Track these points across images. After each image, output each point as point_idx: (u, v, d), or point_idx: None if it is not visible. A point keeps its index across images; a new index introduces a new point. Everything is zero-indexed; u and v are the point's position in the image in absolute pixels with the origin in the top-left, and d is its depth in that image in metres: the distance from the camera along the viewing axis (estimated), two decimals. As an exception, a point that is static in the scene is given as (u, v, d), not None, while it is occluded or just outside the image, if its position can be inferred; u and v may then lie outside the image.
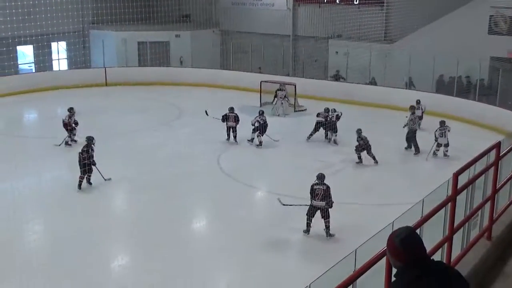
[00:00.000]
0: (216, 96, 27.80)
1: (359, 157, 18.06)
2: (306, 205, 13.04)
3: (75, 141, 19.50)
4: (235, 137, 20.40)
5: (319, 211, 12.85)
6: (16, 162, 17.64)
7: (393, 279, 3.70)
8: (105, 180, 16.04)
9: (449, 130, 18.81)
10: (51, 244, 12.88)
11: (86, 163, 15.53)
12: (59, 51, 33.82)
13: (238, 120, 20.44)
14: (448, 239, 5.41)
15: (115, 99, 27.78)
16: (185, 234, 13.33)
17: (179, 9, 35.26)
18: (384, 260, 4.23)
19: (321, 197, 12.71)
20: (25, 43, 31.26)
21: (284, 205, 13.72)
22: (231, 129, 20.42)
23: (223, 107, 24.17)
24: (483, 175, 6.44)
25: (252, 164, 18.45)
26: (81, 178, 15.66)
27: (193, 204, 15.22)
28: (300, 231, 13.17)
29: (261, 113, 20.53)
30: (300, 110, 24.82)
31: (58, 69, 33.27)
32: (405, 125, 19.74)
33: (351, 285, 4.17)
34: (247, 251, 12.26)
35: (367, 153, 17.99)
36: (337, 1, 31.23)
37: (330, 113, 20.52)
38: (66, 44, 33.99)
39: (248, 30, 33.59)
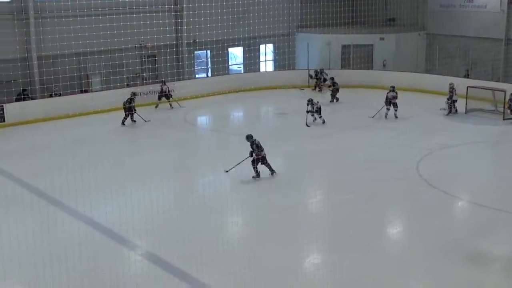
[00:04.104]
0: (419, 100, 27.12)
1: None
2: (246, 159, 16.34)
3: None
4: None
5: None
6: (219, 157, 18.89)
7: None
8: (145, 121, 23.50)
9: None
10: (241, 235, 13.51)
11: (127, 108, 23.27)
12: (266, 53, 35.30)
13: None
14: None
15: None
16: (379, 239, 13.15)
17: (385, 12, 34.95)
18: None
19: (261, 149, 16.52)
20: (236, 45, 33.09)
21: (227, 171, 16.61)
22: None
23: (425, 111, 23.54)
24: None
25: (454, 171, 17.65)
26: (125, 118, 23.42)
27: (385, 209, 14.93)
28: (505, 245, 12.39)
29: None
30: (509, 119, 23.26)
31: (264, 70, 34.72)
32: None
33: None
34: (443, 262, 11.75)
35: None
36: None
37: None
38: (273, 47, 35.35)
39: (456, 33, 32.21)
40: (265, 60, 35.42)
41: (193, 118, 25.50)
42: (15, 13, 25.88)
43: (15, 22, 25.79)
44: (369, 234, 13.10)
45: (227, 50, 33.42)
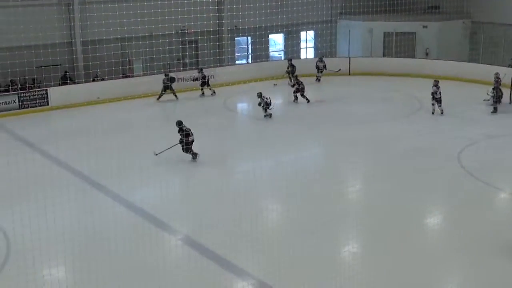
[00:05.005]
0: (461, 89, 26.68)
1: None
2: (176, 145, 16.87)
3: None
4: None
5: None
6: (257, 143, 18.98)
7: None
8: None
9: None
10: (279, 222, 13.60)
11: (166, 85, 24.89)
12: (307, 40, 35.16)
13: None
14: None
15: (357, 89, 28.14)
16: (417, 228, 13.06)
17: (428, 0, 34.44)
18: None
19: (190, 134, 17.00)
20: (277, 32, 33.04)
21: (157, 154, 16.94)
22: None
23: (468, 101, 23.16)
24: None
25: (497, 162, 17.34)
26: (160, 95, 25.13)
27: (425, 199, 14.79)
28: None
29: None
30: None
31: (305, 57, 34.59)
32: None
33: None
34: (482, 254, 11.64)
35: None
36: None
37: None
38: (314, 34, 35.18)
39: (502, 21, 31.48)
40: (306, 47, 35.28)
41: (232, 104, 25.64)
42: (61, -2, 26.41)
43: (62, 8, 26.31)
44: (407, 224, 13.04)
45: (268, 36, 33.39)
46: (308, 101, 24.67)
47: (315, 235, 12.47)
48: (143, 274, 10.90)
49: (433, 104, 22.43)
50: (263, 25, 31.65)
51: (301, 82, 24.77)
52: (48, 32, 24.83)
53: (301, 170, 16.83)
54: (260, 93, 22.17)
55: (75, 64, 26.73)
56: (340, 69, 29.49)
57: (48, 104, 24.49)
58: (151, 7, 27.28)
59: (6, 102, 23.61)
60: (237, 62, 32.87)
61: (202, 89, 26.61)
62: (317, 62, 29.45)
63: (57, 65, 25.61)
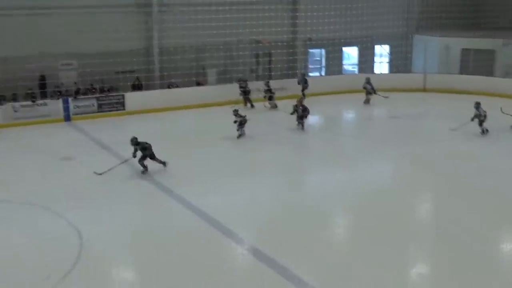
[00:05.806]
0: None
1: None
2: (122, 163, 16.93)
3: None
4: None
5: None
6: (325, 156, 18.93)
7: None
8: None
9: None
10: (346, 235, 13.50)
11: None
12: (382, 54, 34.84)
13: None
14: None
15: (431, 106, 27.60)
16: (486, 250, 12.63)
17: (511, 15, 33.51)
18: None
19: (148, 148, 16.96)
20: (351, 44, 32.89)
21: (100, 174, 16.42)
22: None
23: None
24: None
25: None
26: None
27: (499, 224, 14.35)
28: None
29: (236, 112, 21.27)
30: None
31: (379, 72, 34.28)
32: None
33: None
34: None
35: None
36: None
37: None
38: (389, 48, 34.82)
39: None
40: (380, 62, 34.96)
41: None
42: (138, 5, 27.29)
43: (141, 14, 27.21)
44: (481, 248, 12.64)
45: (342, 49, 33.29)
46: (302, 127, 22.62)
47: (380, 251, 12.28)
48: (207, 280, 11.06)
49: (480, 125, 21.66)
50: (337, 34, 31.51)
51: (307, 109, 22.70)
52: (128, 35, 25.64)
53: (370, 185, 16.62)
54: (236, 110, 21.52)
55: (150, 66, 27.51)
56: (388, 97, 27.60)
57: (124, 109, 25.27)
58: (227, 18, 27.77)
59: (85, 105, 24.57)
60: (310, 74, 32.91)
61: (272, 101, 26.62)
62: (364, 83, 27.71)
63: (133, 71, 26.41)
